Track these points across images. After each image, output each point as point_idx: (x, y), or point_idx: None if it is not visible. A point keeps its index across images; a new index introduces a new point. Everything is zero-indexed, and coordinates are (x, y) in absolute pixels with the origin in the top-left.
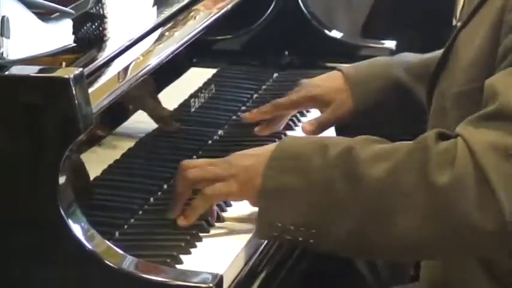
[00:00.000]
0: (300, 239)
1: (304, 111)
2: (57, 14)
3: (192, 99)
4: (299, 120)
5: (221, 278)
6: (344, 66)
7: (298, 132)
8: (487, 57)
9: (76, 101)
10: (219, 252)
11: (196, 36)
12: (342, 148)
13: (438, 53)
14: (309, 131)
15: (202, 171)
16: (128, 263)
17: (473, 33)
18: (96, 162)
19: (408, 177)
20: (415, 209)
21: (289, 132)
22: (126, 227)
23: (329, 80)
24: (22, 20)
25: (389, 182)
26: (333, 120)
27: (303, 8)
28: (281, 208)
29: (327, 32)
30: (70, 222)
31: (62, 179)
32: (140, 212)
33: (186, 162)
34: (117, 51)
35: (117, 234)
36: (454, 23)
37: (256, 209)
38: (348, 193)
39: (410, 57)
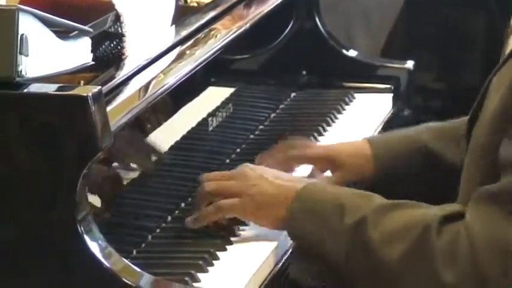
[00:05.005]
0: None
1: None
2: (76, 32)
3: (210, 118)
4: None
5: None
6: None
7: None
8: (509, 110)
9: (94, 119)
10: (237, 271)
11: (214, 55)
12: (358, 218)
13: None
14: None
15: (218, 185)
16: (146, 281)
17: (502, 82)
18: None
19: (419, 266)
20: None
21: None
22: (143, 245)
23: (352, 147)
24: (41, 38)
25: (402, 266)
26: (350, 181)
27: (321, 28)
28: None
29: (344, 51)
30: (87, 239)
31: (80, 197)
32: (158, 230)
33: (206, 175)
34: (135, 70)
35: (134, 252)
36: None
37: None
38: (365, 264)
39: (438, 124)
